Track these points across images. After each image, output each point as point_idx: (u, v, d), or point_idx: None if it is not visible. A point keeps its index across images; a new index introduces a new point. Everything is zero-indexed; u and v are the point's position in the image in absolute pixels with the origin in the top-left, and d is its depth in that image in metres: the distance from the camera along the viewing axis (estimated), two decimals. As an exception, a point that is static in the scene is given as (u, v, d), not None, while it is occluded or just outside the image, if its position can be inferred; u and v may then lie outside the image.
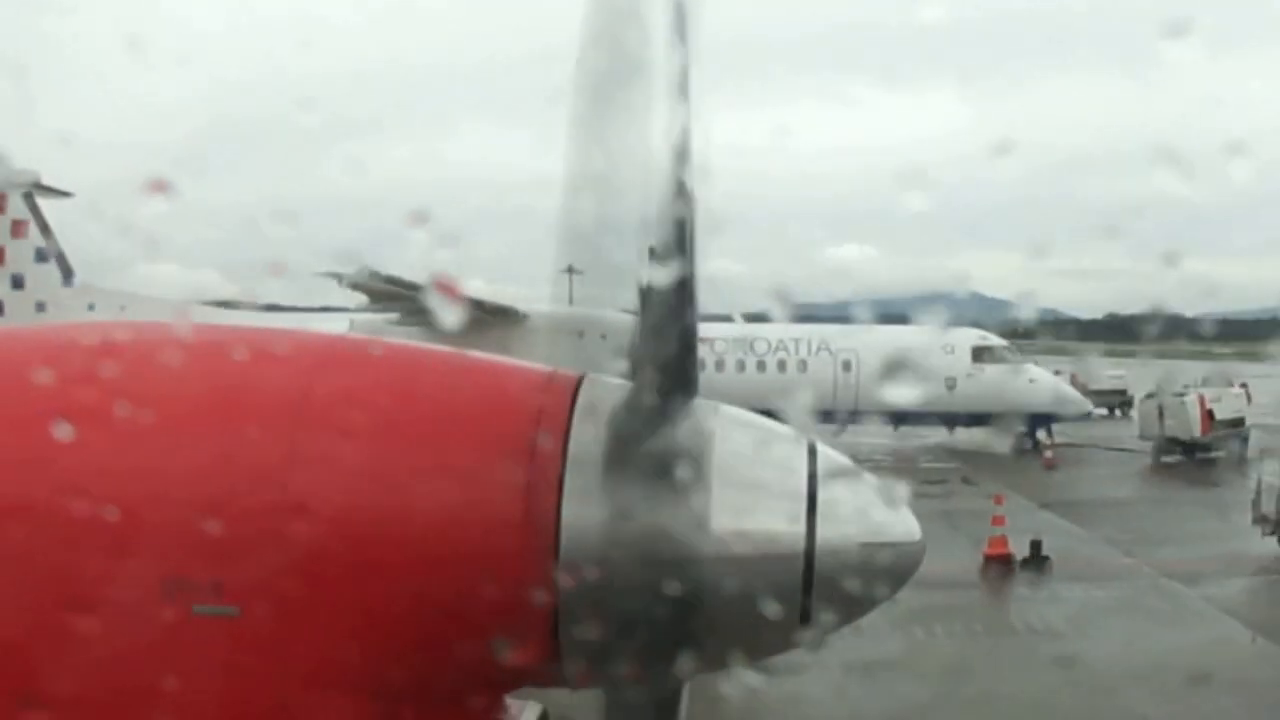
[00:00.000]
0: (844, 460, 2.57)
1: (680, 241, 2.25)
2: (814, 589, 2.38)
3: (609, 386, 2.44)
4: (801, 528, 2.38)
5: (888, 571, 2.49)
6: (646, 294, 2.29)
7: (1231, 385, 38.08)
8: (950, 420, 35.80)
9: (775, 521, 2.39)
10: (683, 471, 2.28)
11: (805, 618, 2.41)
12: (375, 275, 30.05)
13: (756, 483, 2.44)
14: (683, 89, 2.18)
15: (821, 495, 2.42)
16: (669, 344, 2.29)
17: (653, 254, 2.27)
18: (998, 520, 21.01)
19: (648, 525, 2.24)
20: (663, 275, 2.25)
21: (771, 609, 2.36)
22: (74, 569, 2.19)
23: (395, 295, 30.41)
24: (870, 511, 2.50)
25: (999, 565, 20.40)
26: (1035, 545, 20.59)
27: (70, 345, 2.61)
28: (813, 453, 2.49)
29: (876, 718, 12.64)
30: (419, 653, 2.33)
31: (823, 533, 2.39)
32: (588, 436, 2.34)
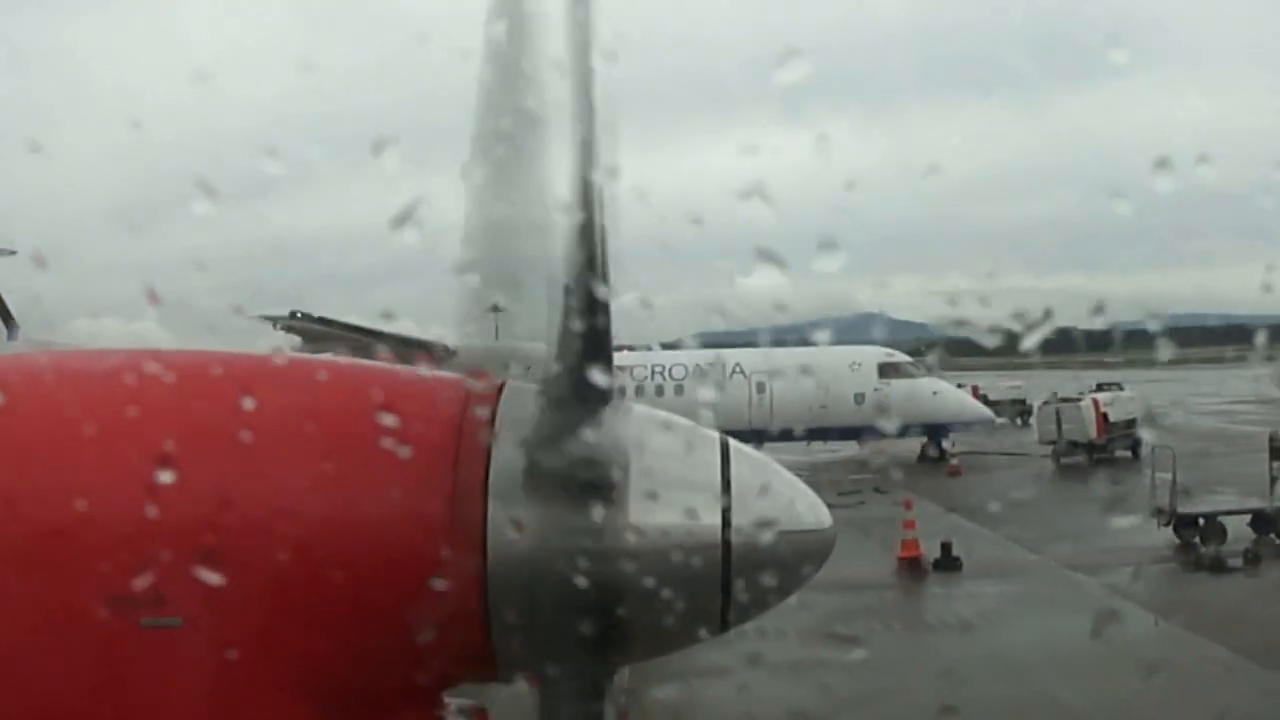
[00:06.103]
0: (755, 454, 2.71)
1: (591, 260, 2.35)
2: (732, 577, 2.50)
3: (529, 393, 2.54)
4: (718, 519, 2.50)
5: (802, 557, 2.63)
6: (563, 307, 2.38)
7: (1122, 389, 39.81)
8: (859, 433, 36.62)
9: (692, 514, 2.50)
10: (602, 470, 2.38)
11: (725, 605, 2.54)
12: (307, 317, 30.15)
13: (673, 477, 2.55)
14: (588, 121, 2.26)
15: (735, 487, 2.54)
16: (585, 350, 2.38)
17: (568, 277, 2.35)
18: (908, 524, 21.61)
19: (571, 523, 2.34)
20: (577, 291, 2.35)
21: (692, 598, 2.48)
22: (23, 590, 2.23)
23: (326, 335, 30.54)
24: (782, 501, 2.62)
25: (912, 567, 20.99)
26: (945, 546, 21.20)
27: (8, 373, 2.63)
28: (725, 448, 2.62)
29: (804, 714, 12.82)
30: (357, 655, 2.40)
31: (738, 522, 2.50)
32: (510, 440, 2.44)
